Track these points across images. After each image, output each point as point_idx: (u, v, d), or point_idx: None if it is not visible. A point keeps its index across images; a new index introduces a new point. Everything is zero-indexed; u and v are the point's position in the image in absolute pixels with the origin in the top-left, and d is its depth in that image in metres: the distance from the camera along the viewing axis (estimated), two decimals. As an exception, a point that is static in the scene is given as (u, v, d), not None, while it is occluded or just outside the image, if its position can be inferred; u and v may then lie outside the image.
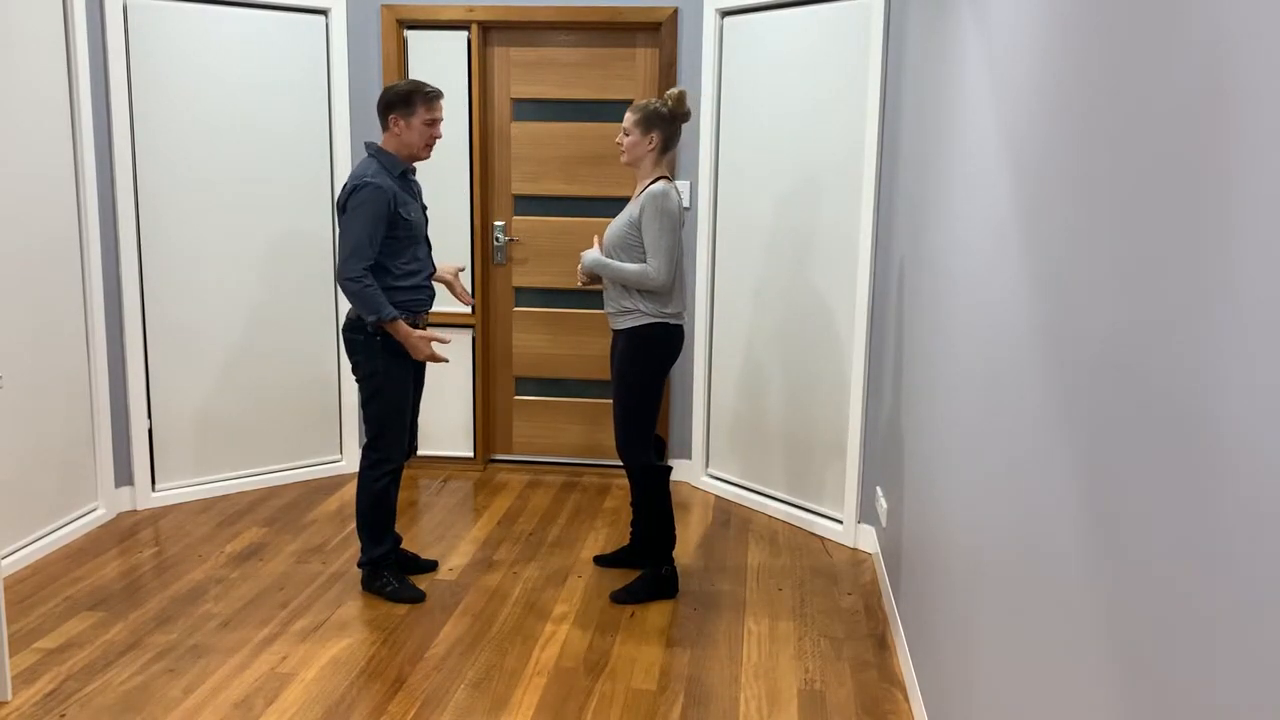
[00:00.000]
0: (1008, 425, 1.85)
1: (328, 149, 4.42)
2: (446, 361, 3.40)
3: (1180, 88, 1.12)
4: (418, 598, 3.37)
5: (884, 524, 3.53)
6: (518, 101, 4.56)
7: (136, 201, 4.03)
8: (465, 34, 4.45)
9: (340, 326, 3.36)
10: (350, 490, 4.42)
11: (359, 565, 3.42)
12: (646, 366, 3.30)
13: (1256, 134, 0.93)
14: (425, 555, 3.74)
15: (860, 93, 3.74)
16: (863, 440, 3.84)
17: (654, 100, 3.30)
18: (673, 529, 3.39)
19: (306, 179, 4.39)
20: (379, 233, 3.14)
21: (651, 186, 3.24)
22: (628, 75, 4.47)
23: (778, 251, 4.10)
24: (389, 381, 3.27)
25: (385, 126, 3.23)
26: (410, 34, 4.47)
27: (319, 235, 4.45)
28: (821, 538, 4.00)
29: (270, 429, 4.45)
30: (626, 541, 3.88)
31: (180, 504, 4.23)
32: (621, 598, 3.38)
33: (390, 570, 3.41)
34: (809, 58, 3.90)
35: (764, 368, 4.21)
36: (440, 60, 4.47)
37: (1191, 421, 1.05)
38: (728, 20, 4.21)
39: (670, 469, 3.38)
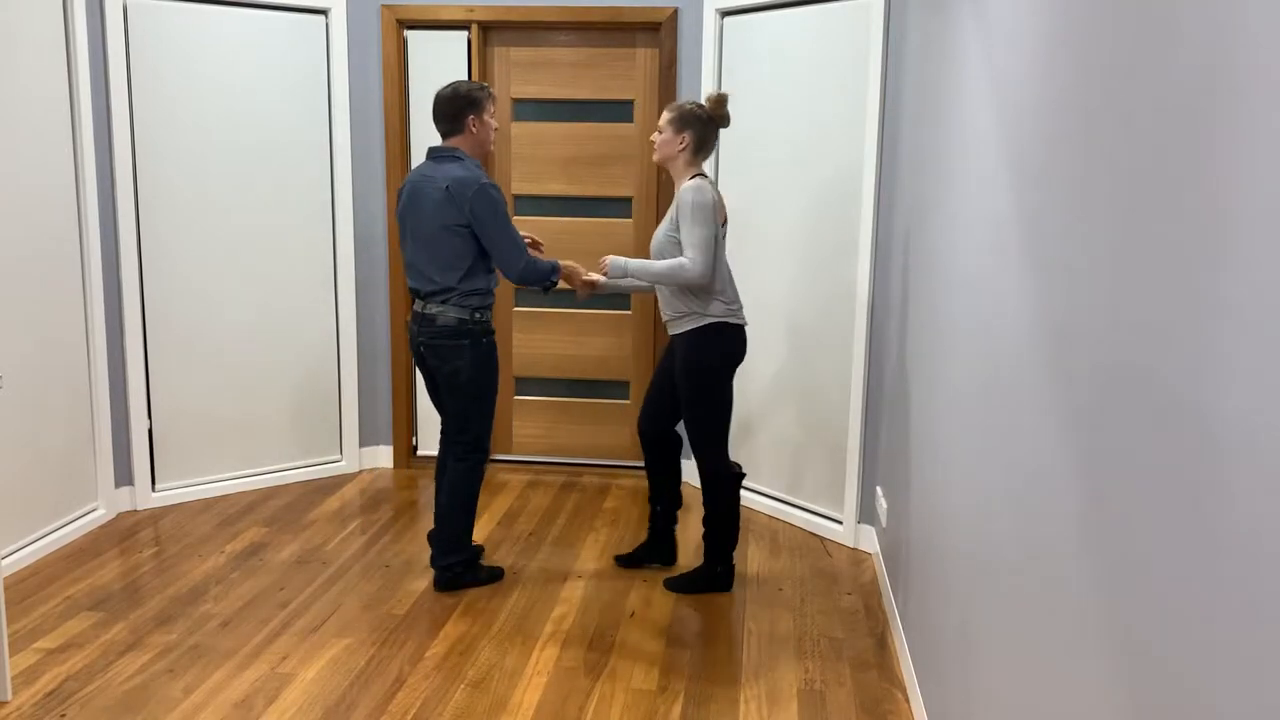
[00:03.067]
0: (1007, 425, 1.85)
1: (327, 149, 4.42)
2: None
3: (1179, 87, 1.12)
4: (500, 575, 3.55)
5: (884, 524, 3.53)
6: (518, 101, 4.56)
7: (136, 201, 4.03)
8: (465, 34, 4.45)
9: (409, 329, 3.41)
10: (350, 490, 4.42)
11: (454, 565, 3.43)
12: (710, 369, 3.27)
13: (1256, 133, 0.93)
14: (425, 555, 3.74)
15: (860, 93, 3.73)
16: (863, 440, 3.84)
17: (692, 101, 3.32)
18: (737, 532, 3.44)
19: (306, 179, 4.39)
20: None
21: (687, 183, 3.24)
22: (628, 75, 4.47)
23: (778, 251, 4.10)
24: (492, 380, 3.36)
25: (459, 129, 3.27)
26: (410, 34, 4.47)
27: (319, 235, 4.45)
28: (821, 538, 4.00)
29: (270, 429, 4.45)
30: (643, 539, 3.85)
31: (180, 504, 4.23)
32: (677, 586, 3.45)
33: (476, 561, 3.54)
34: (809, 58, 3.90)
35: (764, 368, 4.21)
36: (440, 60, 4.47)
37: (1192, 421, 1.05)
38: (728, 20, 4.21)
39: (744, 474, 3.40)
